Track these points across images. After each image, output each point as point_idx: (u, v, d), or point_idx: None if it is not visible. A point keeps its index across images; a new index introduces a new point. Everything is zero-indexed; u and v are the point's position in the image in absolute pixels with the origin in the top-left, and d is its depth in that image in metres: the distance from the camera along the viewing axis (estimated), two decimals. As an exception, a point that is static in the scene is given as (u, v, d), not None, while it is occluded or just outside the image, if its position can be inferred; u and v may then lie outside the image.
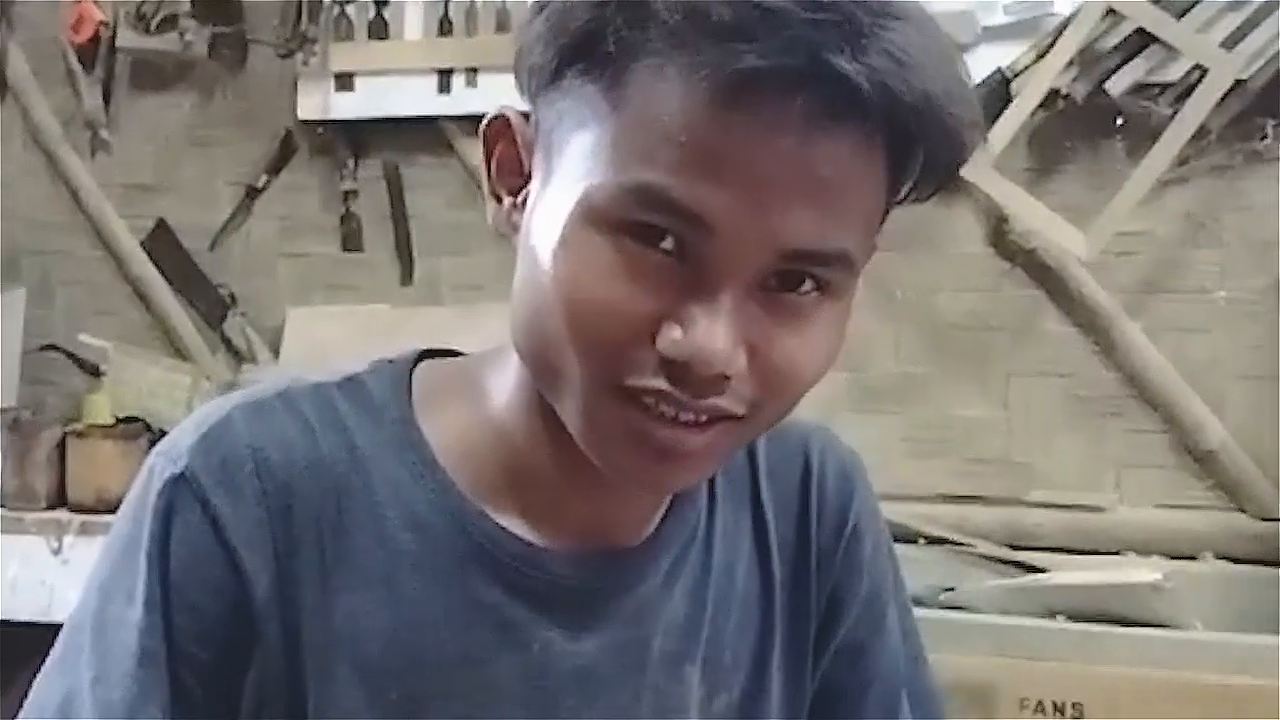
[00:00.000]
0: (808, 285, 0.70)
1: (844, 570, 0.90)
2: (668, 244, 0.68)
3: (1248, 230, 2.49)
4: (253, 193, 3.05)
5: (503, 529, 0.79)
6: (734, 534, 0.87)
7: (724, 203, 0.66)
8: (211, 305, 3.07)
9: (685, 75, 0.66)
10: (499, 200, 0.79)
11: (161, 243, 3.09)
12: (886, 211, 0.75)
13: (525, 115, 0.77)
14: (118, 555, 0.77)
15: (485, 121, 0.79)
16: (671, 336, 0.68)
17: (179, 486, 0.75)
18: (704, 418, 0.70)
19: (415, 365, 0.84)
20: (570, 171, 0.71)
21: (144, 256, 3.10)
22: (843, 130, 0.67)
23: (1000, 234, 2.62)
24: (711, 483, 0.87)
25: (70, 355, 3.01)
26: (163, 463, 0.77)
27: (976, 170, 2.48)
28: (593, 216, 0.69)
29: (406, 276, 2.97)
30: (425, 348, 0.86)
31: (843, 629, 0.90)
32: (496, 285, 2.87)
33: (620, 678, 0.81)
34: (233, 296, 3.05)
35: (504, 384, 0.80)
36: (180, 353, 3.05)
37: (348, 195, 2.97)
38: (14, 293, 3.09)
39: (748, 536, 0.88)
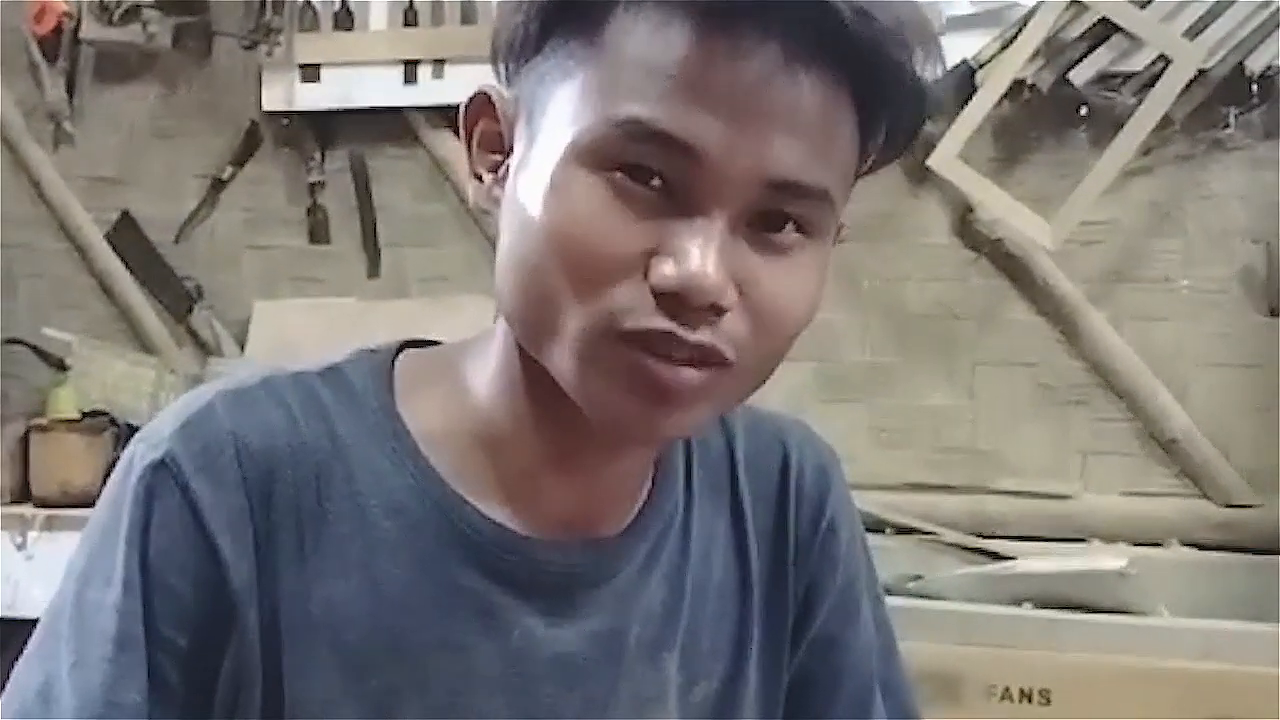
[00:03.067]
0: (790, 227, 0.72)
1: (820, 563, 0.91)
2: (656, 183, 0.70)
3: (1210, 219, 2.51)
4: (218, 185, 3.03)
5: (483, 516, 0.79)
6: (712, 525, 0.87)
7: (711, 131, 0.68)
8: (177, 298, 3.05)
9: (667, 9, 0.69)
10: (479, 179, 0.79)
11: (126, 235, 3.07)
12: (857, 174, 0.76)
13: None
14: (96, 542, 0.77)
15: (466, 100, 0.79)
16: (663, 270, 0.69)
17: (159, 472, 0.75)
18: (699, 356, 0.71)
19: (396, 355, 0.84)
20: (556, 122, 0.72)
21: (108, 249, 3.08)
22: (820, 65, 0.69)
23: (966, 224, 2.63)
24: (689, 475, 0.87)
25: (34, 349, 2.99)
26: (144, 449, 0.77)
27: (942, 160, 2.50)
28: (582, 157, 0.70)
29: (373, 268, 2.96)
30: (407, 339, 0.86)
31: (818, 621, 0.91)
32: (464, 277, 2.87)
33: (598, 666, 0.81)
34: (199, 289, 3.04)
35: (485, 370, 0.80)
36: (146, 346, 3.03)
37: (314, 187, 2.97)
38: (-23, 287, 3.07)
39: (726, 528, 0.88)
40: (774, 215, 0.71)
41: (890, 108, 0.73)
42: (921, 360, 2.67)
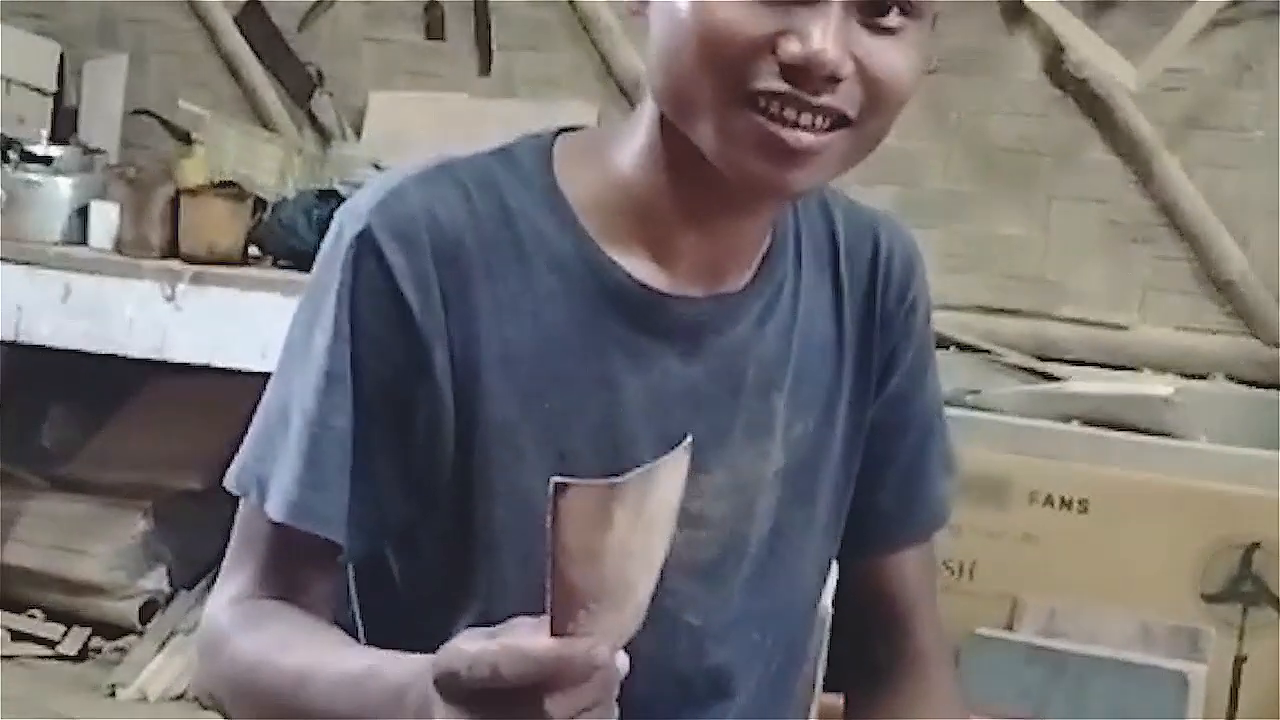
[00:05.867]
0: (895, 11, 0.87)
1: (900, 334, 1.09)
2: None
3: (1291, 74, 2.60)
4: (342, -25, 3.17)
5: (629, 274, 0.97)
6: (816, 293, 1.05)
7: None
8: (299, 82, 3.22)
9: None
10: None
11: (253, 18, 3.23)
12: None
13: None
14: (315, 297, 0.96)
15: None
16: (790, 48, 0.85)
17: (362, 241, 0.93)
18: (821, 120, 0.87)
19: (555, 138, 1.01)
20: None
21: (236, 31, 3.24)
22: None
23: (1055, 63, 2.74)
24: (799, 250, 1.04)
25: (163, 121, 3.18)
26: (349, 221, 0.95)
27: (1038, 1, 2.60)
28: None
29: (485, 67, 3.10)
30: (562, 126, 1.04)
31: (893, 381, 1.09)
32: (570, 81, 3.01)
33: (721, 398, 0.99)
34: (320, 75, 3.20)
35: (633, 147, 0.97)
36: (268, 126, 3.21)
37: (433, -15, 3.10)
38: (116, 58, 3.24)
39: (828, 297, 1.06)
40: (881, 1, 0.87)
41: None
42: (999, 191, 2.80)
